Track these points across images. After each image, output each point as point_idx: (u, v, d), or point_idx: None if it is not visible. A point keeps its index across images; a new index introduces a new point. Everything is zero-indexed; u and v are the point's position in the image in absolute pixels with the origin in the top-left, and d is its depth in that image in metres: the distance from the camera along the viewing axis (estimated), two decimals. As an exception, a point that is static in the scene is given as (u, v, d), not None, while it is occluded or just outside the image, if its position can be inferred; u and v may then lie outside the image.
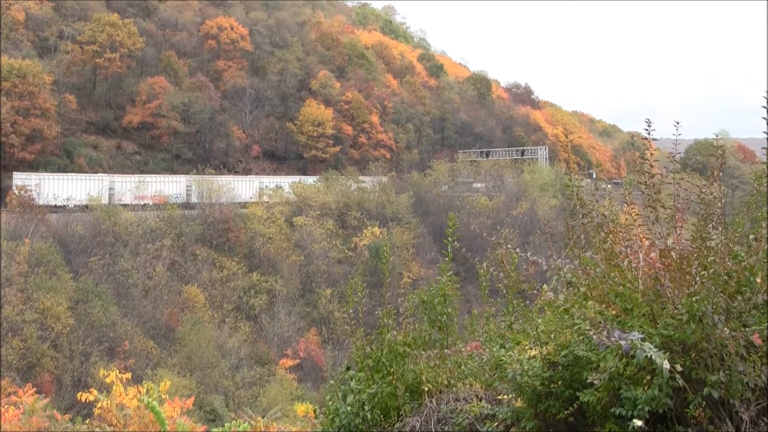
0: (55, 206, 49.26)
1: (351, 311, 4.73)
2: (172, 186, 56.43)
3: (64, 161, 56.25)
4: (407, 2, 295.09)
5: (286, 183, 61.52)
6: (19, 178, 50.59)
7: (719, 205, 3.99)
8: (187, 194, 56.35)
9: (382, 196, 62.20)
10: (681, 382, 3.24)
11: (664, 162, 4.64)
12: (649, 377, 3.32)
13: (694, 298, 3.40)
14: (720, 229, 3.87)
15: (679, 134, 4.26)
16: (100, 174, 55.77)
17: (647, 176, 4.10)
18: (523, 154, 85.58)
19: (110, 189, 53.59)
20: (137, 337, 41.08)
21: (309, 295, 51.88)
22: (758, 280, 3.58)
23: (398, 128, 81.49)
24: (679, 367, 3.24)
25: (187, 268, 49.11)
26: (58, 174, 53.27)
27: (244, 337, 45.80)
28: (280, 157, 72.95)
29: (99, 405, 7.60)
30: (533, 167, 78.47)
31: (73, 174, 54.00)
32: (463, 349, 4.57)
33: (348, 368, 4.75)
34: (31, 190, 48.87)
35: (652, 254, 3.91)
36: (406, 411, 4.32)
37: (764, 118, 3.81)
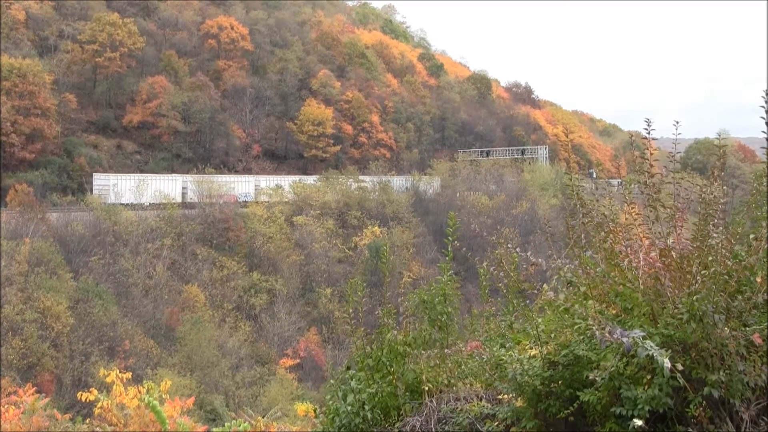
0: (130, 205, 51.42)
1: (351, 311, 4.73)
2: (241, 186, 59.07)
3: (65, 161, 56.27)
4: (407, 2, 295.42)
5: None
6: (98, 179, 53.68)
7: (719, 204, 3.99)
8: (255, 193, 58.80)
9: (382, 195, 62.25)
10: (681, 381, 3.24)
11: (665, 161, 4.64)
12: (649, 377, 3.32)
13: (694, 298, 3.40)
14: (720, 228, 3.87)
15: (679, 134, 4.26)
16: (173, 174, 57.37)
17: (647, 176, 4.10)
18: (523, 153, 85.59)
19: (183, 188, 55.69)
20: (137, 336, 41.08)
21: (309, 294, 51.90)
22: (758, 279, 3.58)
23: (398, 128, 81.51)
24: (679, 367, 3.24)
25: (187, 267, 49.11)
26: (134, 174, 55.46)
27: (244, 337, 45.81)
28: (281, 157, 72.99)
29: (99, 404, 7.59)
30: (533, 167, 78.53)
31: (147, 174, 55.87)
32: (463, 349, 4.57)
33: (348, 368, 4.75)
34: (108, 190, 51.88)
35: (653, 254, 3.91)
36: (406, 410, 4.32)
37: (763, 117, 3.81)
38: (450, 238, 4.68)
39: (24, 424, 7.57)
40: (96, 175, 54.90)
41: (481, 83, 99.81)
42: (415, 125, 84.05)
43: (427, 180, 68.24)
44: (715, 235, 3.80)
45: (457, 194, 66.95)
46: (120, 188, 53.09)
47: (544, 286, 4.28)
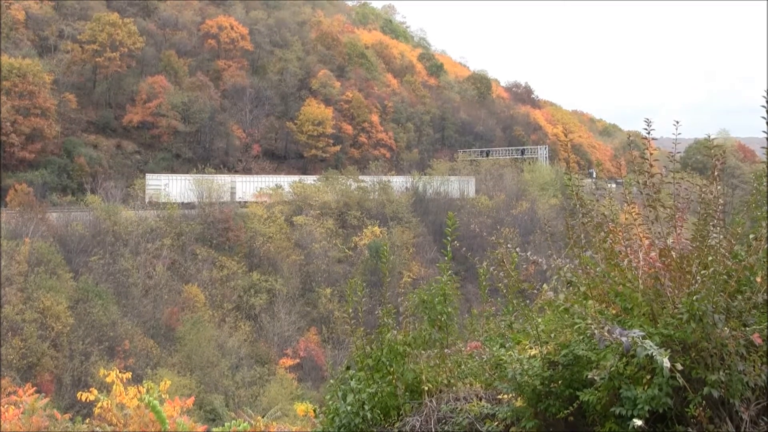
0: (182, 203, 53.45)
1: (351, 311, 4.73)
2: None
3: (64, 161, 56.28)
4: (407, 2, 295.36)
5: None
6: (151, 179, 55.57)
7: (719, 204, 3.99)
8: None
9: (382, 195, 62.26)
10: (681, 381, 3.24)
11: (664, 161, 4.64)
12: (649, 376, 3.32)
13: (694, 298, 3.40)
14: (720, 228, 3.87)
15: (679, 133, 4.27)
16: (222, 175, 58.81)
17: (647, 176, 4.10)
18: (523, 153, 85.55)
19: (232, 188, 57.38)
20: (137, 336, 41.09)
21: (309, 294, 51.89)
22: (758, 279, 3.58)
23: (398, 127, 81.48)
24: (679, 366, 3.24)
25: (187, 267, 49.12)
26: (185, 175, 56.79)
27: (244, 337, 45.80)
28: (281, 157, 72.97)
29: (99, 404, 7.59)
30: (533, 166, 78.50)
31: (197, 175, 56.98)
32: (463, 349, 4.57)
33: (348, 367, 4.75)
34: (160, 189, 53.76)
35: (652, 254, 3.91)
36: (406, 410, 4.32)
37: (764, 117, 3.81)
38: (449, 238, 4.68)
39: (24, 424, 7.57)
40: (149, 176, 56.65)
41: (481, 83, 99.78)
42: (415, 125, 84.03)
43: (461, 180, 68.81)
44: (714, 235, 3.80)
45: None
46: (171, 188, 54.74)
47: (544, 286, 4.28)
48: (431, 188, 65.93)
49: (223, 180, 57.60)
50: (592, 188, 4.52)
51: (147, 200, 53.53)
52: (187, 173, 58.41)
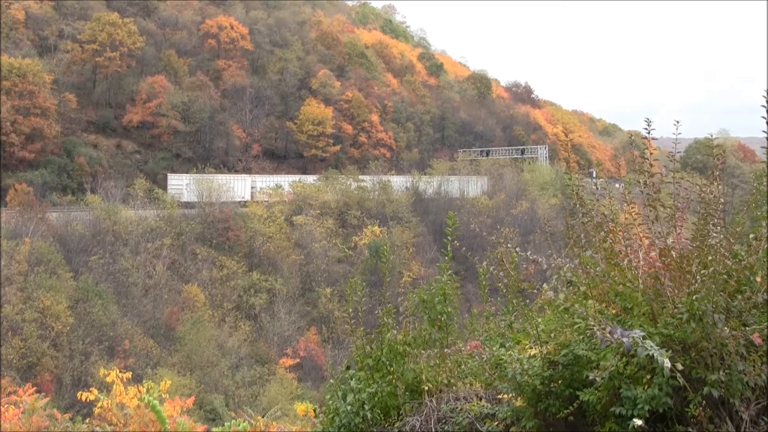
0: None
1: (351, 310, 4.73)
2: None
3: (64, 160, 56.27)
4: (407, 1, 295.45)
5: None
6: (173, 179, 56.67)
7: (719, 204, 3.99)
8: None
9: (382, 195, 62.27)
10: (681, 381, 3.24)
11: (664, 161, 4.64)
12: (649, 376, 3.32)
13: (694, 297, 3.40)
14: (720, 228, 3.87)
15: (679, 133, 4.26)
16: (242, 174, 60.03)
17: (647, 175, 4.10)
18: (523, 153, 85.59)
19: (252, 188, 58.68)
20: (137, 336, 41.09)
21: (309, 294, 51.89)
22: (758, 279, 3.58)
23: (398, 127, 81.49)
24: (679, 366, 3.24)
25: (187, 267, 49.11)
26: (206, 175, 57.49)
27: (244, 337, 45.80)
28: (280, 156, 72.99)
29: (99, 404, 7.59)
30: (533, 166, 78.56)
31: (219, 174, 57.98)
32: (463, 348, 4.56)
33: (348, 367, 4.75)
34: (182, 189, 54.81)
35: (652, 253, 3.91)
36: (406, 410, 4.32)
37: (764, 117, 3.80)
38: (449, 238, 4.68)
39: (24, 424, 7.56)
40: (170, 175, 57.51)
41: (481, 83, 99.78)
42: (415, 125, 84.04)
43: (473, 180, 69.16)
44: (714, 234, 3.80)
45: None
46: (192, 188, 55.45)
47: (544, 285, 4.28)
48: (448, 187, 66.43)
49: (243, 180, 57.83)
50: (592, 188, 4.51)
51: (169, 199, 54.17)
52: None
